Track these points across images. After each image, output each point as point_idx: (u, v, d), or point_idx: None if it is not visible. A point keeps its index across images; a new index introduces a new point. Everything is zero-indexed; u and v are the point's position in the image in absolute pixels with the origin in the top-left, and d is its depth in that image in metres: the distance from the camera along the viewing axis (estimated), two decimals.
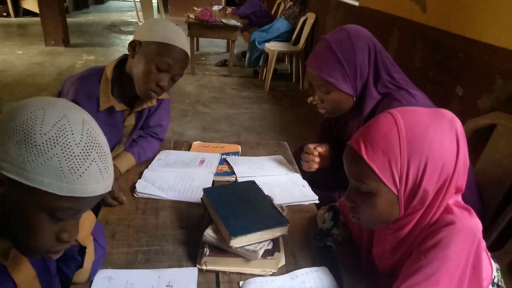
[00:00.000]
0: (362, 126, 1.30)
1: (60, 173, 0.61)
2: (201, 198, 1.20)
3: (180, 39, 1.30)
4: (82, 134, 0.63)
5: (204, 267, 1.00)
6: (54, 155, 0.60)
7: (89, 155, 0.63)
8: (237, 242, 0.99)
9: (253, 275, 1.00)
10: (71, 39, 6.57)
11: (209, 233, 1.03)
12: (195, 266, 1.02)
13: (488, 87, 1.77)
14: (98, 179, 0.65)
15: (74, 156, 0.62)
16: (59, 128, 0.61)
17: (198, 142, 1.73)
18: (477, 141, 1.71)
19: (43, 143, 0.60)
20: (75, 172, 0.62)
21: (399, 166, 0.79)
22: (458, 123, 0.82)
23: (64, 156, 0.61)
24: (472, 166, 1.46)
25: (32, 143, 0.60)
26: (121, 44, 6.87)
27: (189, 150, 1.66)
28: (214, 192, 1.18)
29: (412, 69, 2.42)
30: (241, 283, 0.97)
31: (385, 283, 0.93)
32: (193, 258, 1.05)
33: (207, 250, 1.01)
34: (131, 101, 1.42)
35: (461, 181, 0.83)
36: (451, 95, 2.05)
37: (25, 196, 0.62)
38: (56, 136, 0.61)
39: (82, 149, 0.62)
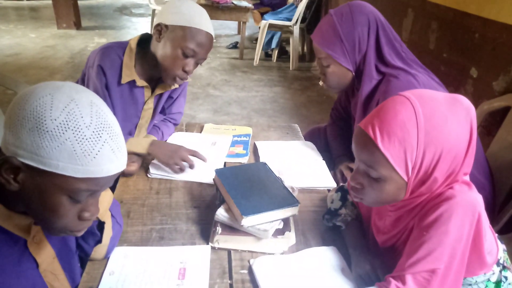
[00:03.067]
0: (361, 105, 1.32)
1: (74, 156, 0.63)
2: (213, 179, 1.22)
3: (206, 22, 1.29)
4: (91, 116, 0.64)
5: (216, 245, 1.03)
6: (66, 139, 0.62)
7: (100, 136, 0.64)
8: (248, 221, 1.01)
9: (264, 254, 1.02)
10: (82, 22, 6.57)
11: (221, 213, 1.06)
12: (207, 244, 1.05)
13: (504, 69, 1.74)
14: (111, 158, 0.66)
15: (86, 139, 0.63)
16: (68, 112, 0.63)
17: (210, 124, 1.74)
18: (491, 123, 1.70)
19: (54, 128, 0.61)
20: (88, 154, 0.63)
21: (414, 156, 0.79)
22: (473, 111, 0.81)
23: (76, 140, 0.62)
24: (484, 149, 1.44)
25: (44, 129, 0.61)
26: (132, 27, 6.86)
27: (201, 132, 1.68)
28: (226, 173, 1.20)
29: (427, 51, 2.38)
30: (251, 261, 1.00)
31: (389, 260, 0.95)
32: (206, 236, 1.08)
33: (219, 229, 1.03)
34: (152, 83, 1.42)
35: (468, 167, 0.83)
36: (466, 77, 2.01)
37: (43, 181, 0.64)
38: (66, 121, 0.62)
39: (93, 131, 0.64)
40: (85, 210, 0.71)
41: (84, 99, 0.65)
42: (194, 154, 1.36)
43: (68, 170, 0.63)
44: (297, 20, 4.77)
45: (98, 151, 0.64)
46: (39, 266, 0.77)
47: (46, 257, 0.79)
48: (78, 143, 0.62)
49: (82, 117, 0.63)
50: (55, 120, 0.62)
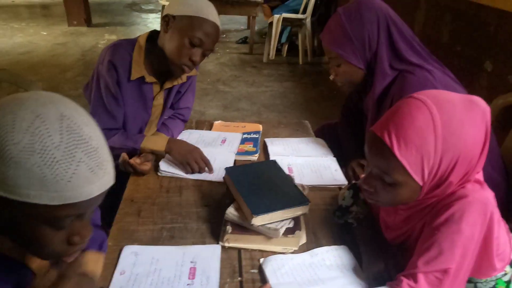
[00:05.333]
0: (375, 103, 1.30)
1: (45, 183, 0.54)
2: (223, 177, 1.22)
3: (213, 12, 1.30)
4: (61, 133, 0.55)
5: (226, 244, 1.03)
6: (33, 164, 0.54)
7: (73, 156, 0.56)
8: (258, 220, 1.00)
9: (274, 253, 1.02)
10: (93, 19, 6.61)
11: (231, 211, 1.05)
12: (218, 243, 1.05)
13: None
14: (90, 179, 0.58)
15: (57, 161, 0.54)
16: (33, 132, 0.54)
17: (219, 121, 1.74)
18: (506, 118, 1.66)
19: (17, 154, 0.53)
20: (61, 179, 0.55)
21: (431, 163, 0.78)
22: (488, 114, 0.80)
23: (45, 164, 0.54)
24: (498, 145, 1.42)
25: (8, 156, 0.53)
26: (142, 23, 6.88)
27: (210, 130, 1.67)
28: (236, 171, 1.20)
29: (440, 44, 2.34)
30: (262, 260, 0.99)
31: (400, 259, 0.94)
32: (216, 235, 1.07)
33: (229, 228, 1.03)
34: (160, 78, 1.42)
35: (480, 166, 0.83)
36: (480, 71, 1.97)
37: (19, 211, 0.57)
38: (31, 143, 0.54)
39: (64, 151, 0.55)
40: (74, 235, 0.63)
41: (52, 112, 0.56)
42: (206, 162, 1.36)
43: (42, 198, 0.55)
44: (305, 9, 4.73)
45: (73, 173, 0.55)
46: (36, 275, 0.74)
47: (42, 266, 0.74)
48: (48, 167, 0.54)
49: (50, 136, 0.54)
50: (18, 144, 0.53)
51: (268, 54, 4.95)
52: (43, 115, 0.55)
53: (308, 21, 4.73)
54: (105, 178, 0.61)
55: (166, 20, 1.29)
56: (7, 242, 0.65)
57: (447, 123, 0.76)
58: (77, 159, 0.56)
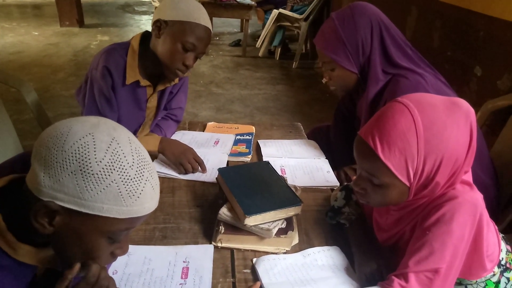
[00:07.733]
0: (368, 107, 1.32)
1: (119, 198, 0.61)
2: (216, 178, 1.22)
3: (204, 15, 1.30)
4: (132, 155, 0.62)
5: (219, 244, 1.03)
6: (112, 181, 0.60)
7: (142, 174, 0.63)
8: (251, 221, 1.01)
9: (267, 253, 1.02)
10: (85, 19, 6.57)
11: (224, 212, 1.06)
12: (210, 243, 1.05)
13: (508, 67, 1.73)
14: (152, 196, 0.65)
15: (131, 179, 0.61)
16: (112, 152, 0.60)
17: (212, 123, 1.74)
18: (495, 122, 1.69)
19: (100, 171, 0.59)
20: (133, 195, 0.62)
21: (415, 164, 0.79)
22: (472, 115, 0.82)
23: (122, 181, 0.61)
24: (488, 148, 1.44)
25: (89, 172, 0.59)
26: (135, 25, 6.86)
27: (203, 131, 1.68)
28: (229, 172, 1.20)
29: (430, 49, 2.37)
30: (254, 260, 1.00)
31: (392, 259, 0.95)
32: (209, 235, 1.08)
33: (222, 228, 1.03)
34: (152, 81, 1.42)
35: (468, 166, 0.84)
36: (470, 75, 2.00)
37: (83, 223, 0.62)
38: (111, 162, 0.60)
39: (136, 170, 0.62)
40: (119, 248, 0.70)
41: (123, 136, 0.63)
42: (199, 162, 1.36)
43: (112, 212, 0.61)
44: (304, 14, 4.79)
45: (142, 190, 0.63)
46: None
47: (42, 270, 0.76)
48: (124, 184, 0.61)
49: (125, 156, 0.61)
50: (101, 162, 0.59)
51: (262, 44, 5.15)
52: (117, 138, 0.62)
53: (304, 24, 4.77)
54: (158, 196, 0.69)
55: (158, 25, 1.29)
56: (44, 252, 0.68)
57: (429, 125, 0.78)
58: (145, 177, 0.63)
